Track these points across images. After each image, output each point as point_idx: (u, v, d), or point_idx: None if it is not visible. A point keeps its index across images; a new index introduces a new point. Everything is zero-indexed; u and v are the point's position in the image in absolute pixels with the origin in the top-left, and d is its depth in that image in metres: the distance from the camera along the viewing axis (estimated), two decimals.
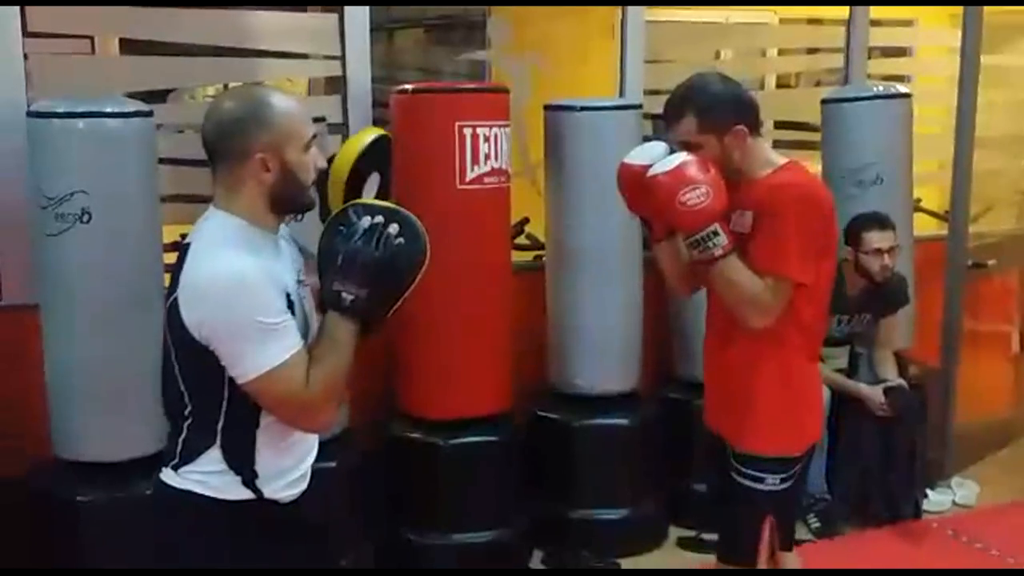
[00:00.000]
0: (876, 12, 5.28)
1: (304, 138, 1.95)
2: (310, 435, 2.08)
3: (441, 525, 3.79)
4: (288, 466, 2.03)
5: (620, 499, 4.08)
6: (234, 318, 1.82)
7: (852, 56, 5.19)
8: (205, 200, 3.54)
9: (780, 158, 2.57)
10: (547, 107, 4.09)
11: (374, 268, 1.89)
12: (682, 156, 2.42)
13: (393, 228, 1.90)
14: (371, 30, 4.09)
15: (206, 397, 1.92)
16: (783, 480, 2.56)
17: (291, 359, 1.85)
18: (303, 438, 2.05)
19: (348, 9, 3.97)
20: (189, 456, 1.95)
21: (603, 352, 4.05)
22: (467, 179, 3.62)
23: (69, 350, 3.19)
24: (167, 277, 3.36)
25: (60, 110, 3.10)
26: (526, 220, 4.40)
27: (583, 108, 3.97)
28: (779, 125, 5.76)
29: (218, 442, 1.94)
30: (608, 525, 4.05)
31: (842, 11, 5.21)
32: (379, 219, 1.91)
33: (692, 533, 4.12)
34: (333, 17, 4.02)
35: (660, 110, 4.17)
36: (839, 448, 4.23)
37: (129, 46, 4.51)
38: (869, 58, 5.31)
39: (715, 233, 2.39)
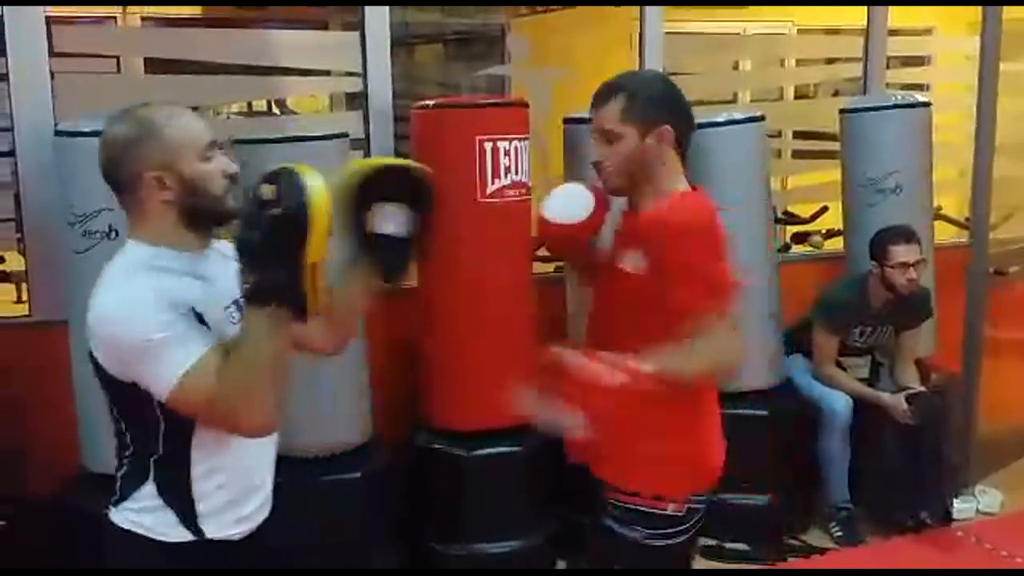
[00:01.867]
0: (894, 21, 5.29)
1: (198, 147, 1.86)
2: (251, 469, 1.97)
3: (465, 535, 3.81)
4: (231, 500, 1.92)
5: None
6: (128, 346, 1.75)
7: (870, 65, 5.19)
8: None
9: (684, 185, 2.28)
10: (566, 120, 4.12)
11: (255, 249, 1.69)
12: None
13: (268, 194, 1.67)
14: (391, 46, 4.13)
15: (141, 429, 1.85)
16: None
17: (196, 364, 1.73)
18: (244, 473, 1.95)
19: (369, 26, 4.01)
20: (126, 492, 1.89)
21: None
22: (488, 193, 3.65)
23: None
24: None
25: (87, 129, 3.15)
26: None
27: None
28: (798, 135, 5.79)
29: (151, 476, 1.87)
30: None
31: (860, 20, 5.23)
32: (259, 193, 1.69)
33: (714, 542, 4.12)
34: (354, 34, 4.07)
35: None
36: (862, 457, 4.24)
37: (154, 65, 4.59)
38: (888, 67, 5.32)
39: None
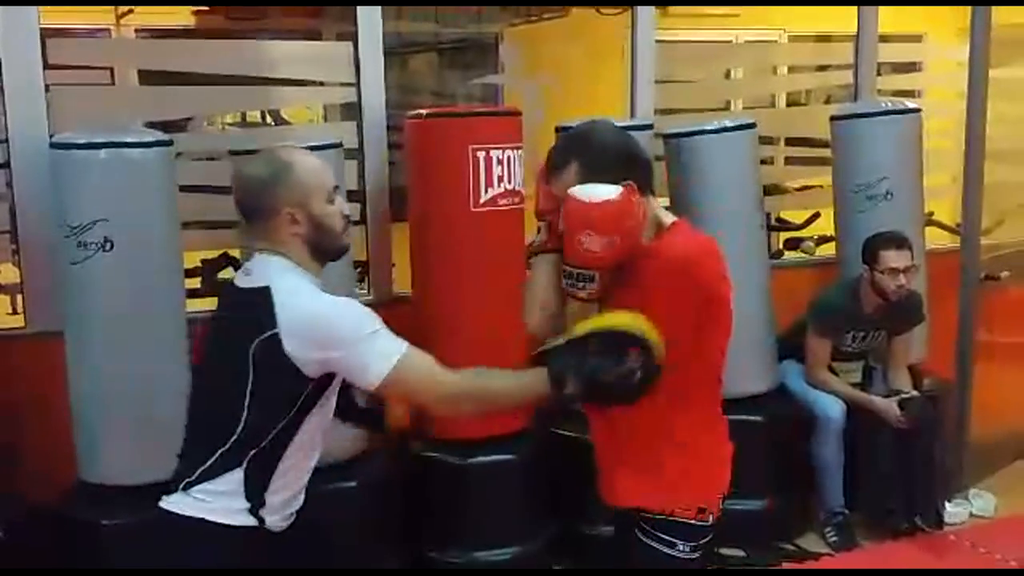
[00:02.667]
0: (884, 28, 5.32)
1: (326, 190, 2.17)
2: (310, 471, 2.23)
3: (462, 543, 3.82)
4: (292, 496, 2.19)
5: None
6: (350, 336, 2.05)
7: (861, 72, 5.22)
8: (224, 226, 3.63)
9: (668, 217, 2.31)
10: (559, 128, 4.13)
11: (602, 388, 2.07)
12: (614, 193, 2.16)
13: (639, 372, 2.04)
14: (384, 55, 4.15)
15: (260, 424, 2.07)
16: None
17: (408, 352, 2.10)
18: (306, 474, 2.21)
19: (362, 36, 4.02)
20: (208, 476, 2.09)
21: None
22: (482, 201, 3.66)
23: (93, 375, 3.25)
24: (188, 302, 3.46)
25: (82, 141, 3.17)
26: None
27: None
28: (790, 142, 5.81)
29: (243, 466, 2.08)
30: None
31: (851, 27, 5.26)
32: (632, 363, 2.05)
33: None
34: (348, 45, 4.08)
35: (671, 129, 4.32)
36: (856, 461, 4.25)
37: (148, 76, 4.60)
38: (878, 74, 5.35)
39: (591, 279, 2.17)
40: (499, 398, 2.28)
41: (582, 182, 2.19)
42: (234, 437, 2.07)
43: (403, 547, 3.82)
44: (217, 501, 2.09)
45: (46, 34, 3.59)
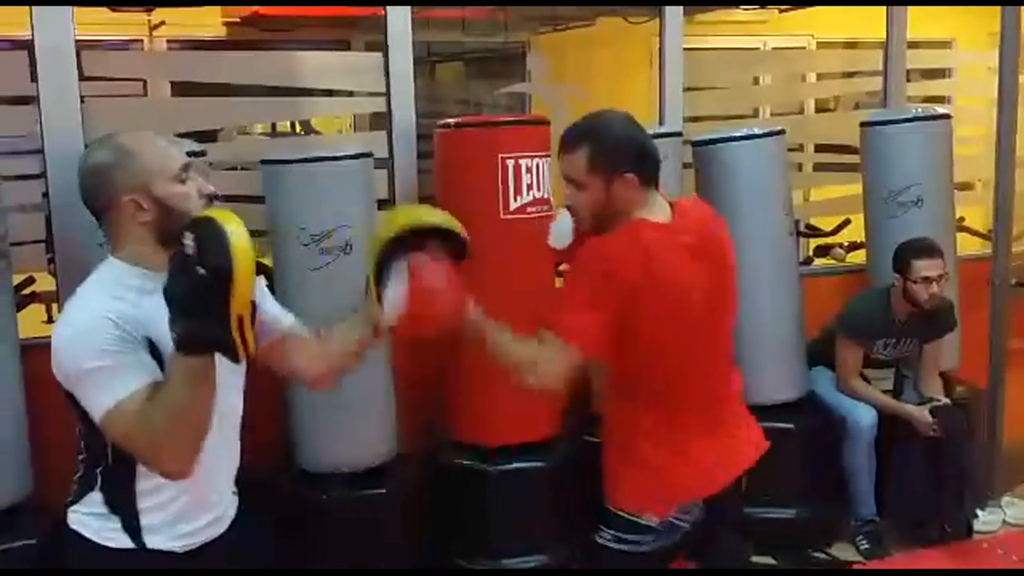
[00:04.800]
0: (914, 34, 5.30)
1: (172, 169, 1.92)
2: (203, 487, 1.98)
3: (491, 551, 3.83)
4: (178, 515, 1.97)
5: None
6: (70, 368, 1.82)
7: (890, 78, 5.20)
8: (255, 234, 3.65)
9: (649, 216, 2.38)
10: None
11: (182, 301, 1.70)
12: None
13: (191, 246, 1.69)
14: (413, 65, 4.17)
15: (92, 439, 1.91)
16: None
17: (124, 399, 1.78)
18: (194, 491, 1.96)
19: (392, 46, 4.05)
20: (78, 496, 1.97)
21: None
22: (510, 209, 3.68)
23: None
24: None
25: None
26: None
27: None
28: (819, 148, 5.79)
29: (98, 485, 1.94)
30: None
31: (880, 33, 5.24)
32: (183, 244, 1.71)
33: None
34: (377, 55, 4.11)
35: (700, 137, 4.32)
36: (887, 469, 4.23)
37: (180, 88, 4.65)
38: (908, 80, 5.33)
39: None
40: (171, 408, 1.77)
41: (590, 167, 2.34)
42: (80, 454, 1.97)
43: (432, 554, 3.83)
44: (90, 521, 1.95)
45: (80, 46, 3.64)
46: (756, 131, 4.26)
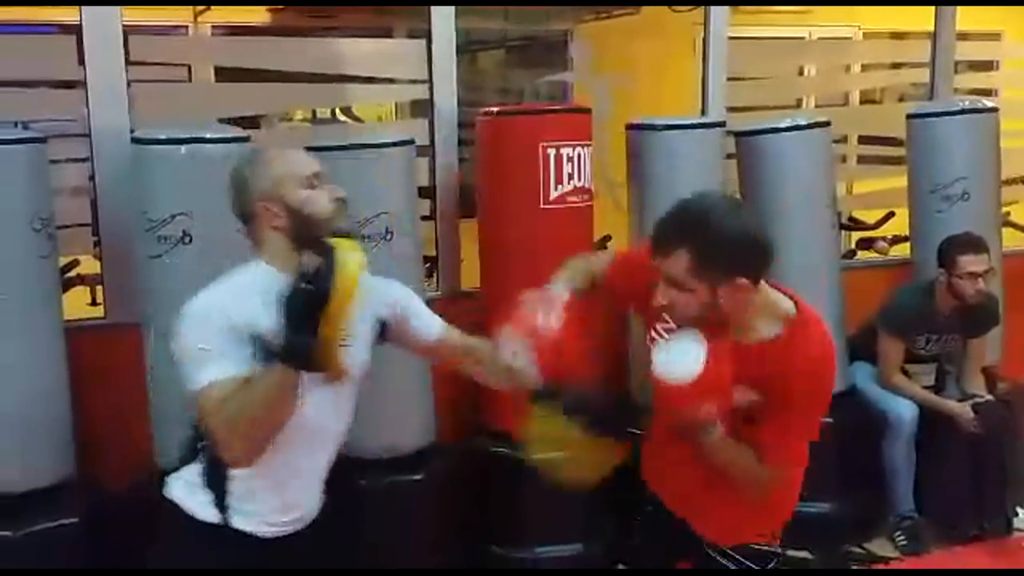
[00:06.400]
0: (962, 25, 5.22)
1: (301, 176, 2.06)
2: (294, 490, 2.13)
3: (527, 539, 3.84)
4: (261, 505, 2.09)
5: None
6: (184, 343, 1.99)
7: (938, 70, 5.14)
8: None
9: (787, 306, 2.14)
10: (629, 126, 4.13)
11: (286, 313, 1.83)
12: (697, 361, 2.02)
13: (309, 267, 1.84)
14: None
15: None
16: None
17: (216, 382, 1.91)
18: (284, 492, 2.11)
19: (436, 34, 4.05)
20: (181, 464, 2.14)
21: None
22: (551, 198, 3.68)
23: (171, 366, 3.31)
24: None
25: (163, 136, 3.24)
26: (608, 238, 4.44)
27: (665, 127, 4.01)
28: (863, 140, 5.73)
29: (199, 459, 2.09)
30: None
31: (927, 25, 5.17)
32: (303, 264, 1.88)
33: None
34: (420, 42, 4.12)
35: (742, 127, 4.29)
36: (927, 465, 4.19)
37: (223, 73, 4.68)
38: (955, 72, 5.25)
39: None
40: (244, 407, 1.92)
41: (691, 271, 1.99)
42: (192, 430, 2.11)
43: (468, 542, 3.85)
44: (184, 492, 2.11)
45: (127, 31, 3.67)
46: (801, 122, 4.22)
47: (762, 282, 2.08)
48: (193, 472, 2.10)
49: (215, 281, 2.08)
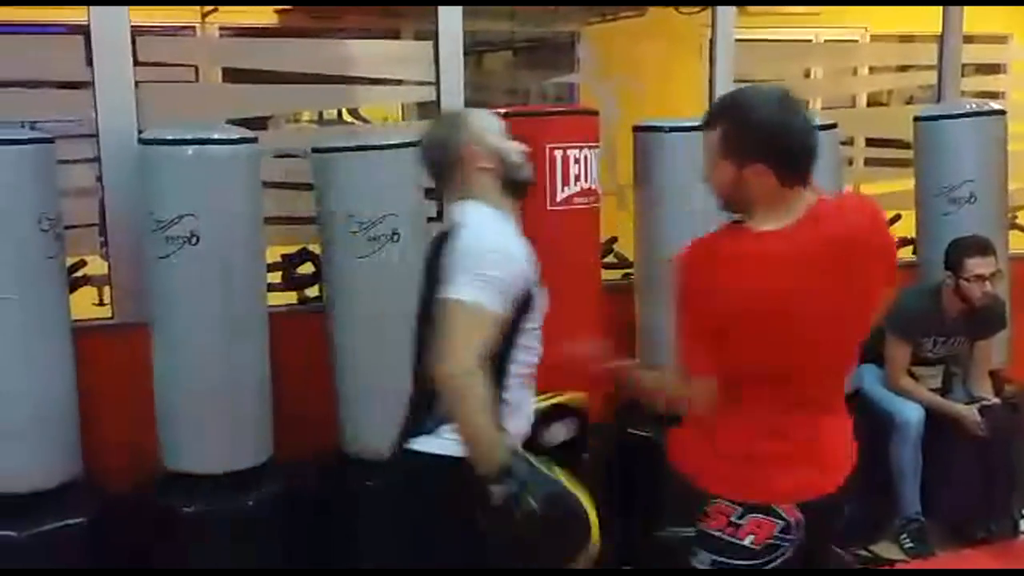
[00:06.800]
0: (969, 28, 5.22)
1: (497, 127, 2.41)
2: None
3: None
4: (520, 427, 2.33)
5: None
6: (459, 266, 2.17)
7: (945, 73, 5.13)
8: (305, 221, 3.70)
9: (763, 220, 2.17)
10: (636, 128, 4.13)
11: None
12: None
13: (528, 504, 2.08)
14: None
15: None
16: None
17: (472, 306, 2.12)
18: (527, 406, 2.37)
19: (443, 35, 4.05)
20: (416, 425, 2.27)
21: None
22: (558, 200, 3.68)
23: (177, 366, 3.34)
24: (269, 296, 3.53)
25: (170, 137, 3.24)
26: (614, 239, 4.44)
27: (672, 129, 4.00)
28: (871, 143, 5.73)
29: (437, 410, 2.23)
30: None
31: (935, 27, 5.17)
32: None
33: None
34: (427, 44, 4.12)
35: None
36: (934, 467, 4.18)
37: (230, 74, 4.69)
38: (962, 75, 5.25)
39: None
40: (468, 422, 2.13)
41: (720, 148, 2.15)
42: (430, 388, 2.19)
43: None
44: (452, 442, 2.21)
45: (135, 32, 3.67)
46: None
47: (799, 189, 2.14)
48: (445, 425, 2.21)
49: (480, 218, 2.28)
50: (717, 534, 2.23)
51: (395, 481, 2.39)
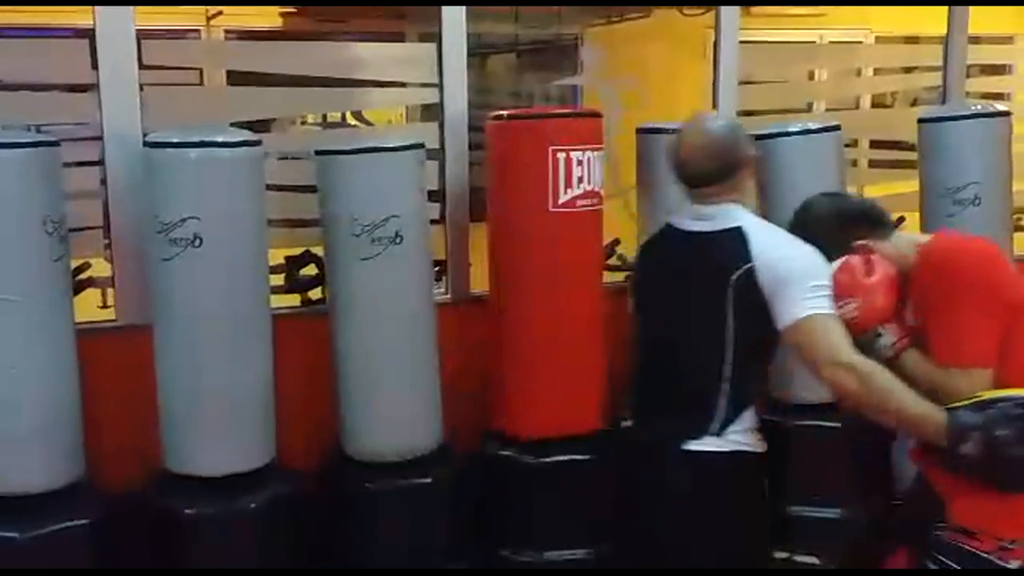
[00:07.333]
0: (974, 29, 5.21)
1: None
2: None
3: (535, 543, 3.84)
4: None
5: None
6: (797, 276, 2.27)
7: (950, 74, 5.12)
8: (306, 224, 3.70)
9: (924, 237, 2.56)
10: (640, 130, 4.13)
11: (1002, 460, 2.11)
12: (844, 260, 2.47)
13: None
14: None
15: (751, 361, 2.38)
16: None
17: (827, 314, 2.25)
18: None
19: (446, 38, 4.06)
20: (731, 418, 2.37)
21: None
22: (561, 202, 3.68)
23: (180, 368, 3.34)
24: (273, 299, 3.53)
25: (175, 140, 3.25)
26: (617, 241, 4.44)
27: (675, 131, 3.98)
28: (875, 144, 5.72)
29: (753, 401, 2.40)
30: None
31: (940, 28, 5.16)
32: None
33: (786, 555, 4.09)
34: (430, 46, 4.13)
35: (754, 131, 4.27)
36: None
37: (235, 77, 4.70)
38: (968, 76, 5.24)
39: (878, 335, 2.43)
40: (891, 404, 2.22)
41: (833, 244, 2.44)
42: (728, 380, 2.34)
43: (477, 545, 3.84)
44: (748, 437, 2.39)
45: (140, 35, 3.68)
46: (811, 126, 4.22)
47: (892, 236, 2.54)
48: (747, 417, 2.38)
49: (767, 226, 2.42)
50: (984, 555, 2.29)
51: (679, 480, 2.44)
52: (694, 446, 2.37)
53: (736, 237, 2.37)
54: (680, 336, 2.40)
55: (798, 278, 2.27)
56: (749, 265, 2.31)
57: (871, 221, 2.56)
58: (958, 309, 2.32)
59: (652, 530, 2.53)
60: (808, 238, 2.42)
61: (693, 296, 2.40)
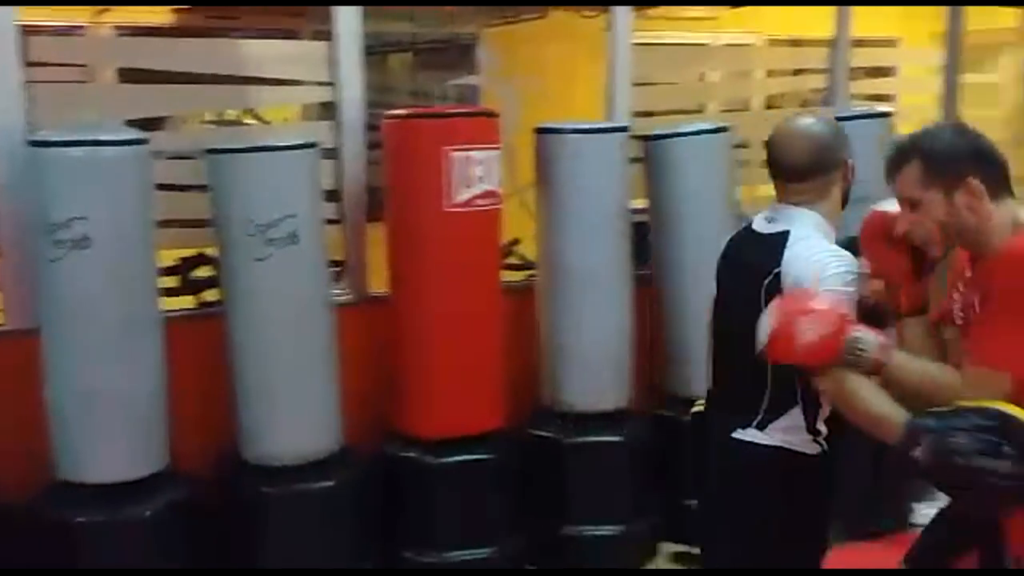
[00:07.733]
0: (859, 32, 5.37)
1: None
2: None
3: (437, 544, 3.84)
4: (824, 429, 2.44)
5: (612, 515, 4.12)
6: (814, 277, 2.25)
7: (835, 76, 5.27)
8: (198, 224, 3.63)
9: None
10: (537, 130, 4.16)
11: (951, 468, 2.04)
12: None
13: (1008, 474, 2.01)
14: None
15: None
16: None
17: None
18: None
19: (341, 36, 4.03)
20: (775, 414, 2.40)
21: (593, 370, 4.10)
22: (459, 201, 3.69)
23: (69, 372, 3.26)
24: (167, 302, 3.46)
25: (59, 139, 3.17)
26: (516, 241, 4.46)
27: (572, 131, 4.05)
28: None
29: (799, 401, 2.38)
30: (600, 541, 4.08)
31: (827, 31, 5.30)
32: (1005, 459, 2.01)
33: (685, 549, 4.16)
34: (325, 44, 4.09)
35: (647, 132, 4.35)
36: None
37: (126, 74, 4.59)
38: (854, 78, 5.39)
39: (859, 349, 2.16)
40: (856, 403, 2.21)
41: (923, 179, 2.12)
42: (769, 376, 2.35)
43: (378, 547, 3.83)
44: (791, 436, 2.40)
45: (25, 31, 3.57)
46: (703, 127, 4.30)
47: (1008, 199, 2.14)
48: (793, 416, 2.38)
49: (815, 233, 2.36)
50: None
51: (727, 465, 2.51)
52: (739, 435, 2.45)
53: (780, 241, 2.39)
54: (735, 331, 2.42)
55: (805, 281, 2.29)
56: (777, 269, 2.36)
57: (997, 172, 2.15)
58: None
59: (708, 507, 2.67)
60: (921, 149, 2.16)
61: (741, 295, 2.44)
